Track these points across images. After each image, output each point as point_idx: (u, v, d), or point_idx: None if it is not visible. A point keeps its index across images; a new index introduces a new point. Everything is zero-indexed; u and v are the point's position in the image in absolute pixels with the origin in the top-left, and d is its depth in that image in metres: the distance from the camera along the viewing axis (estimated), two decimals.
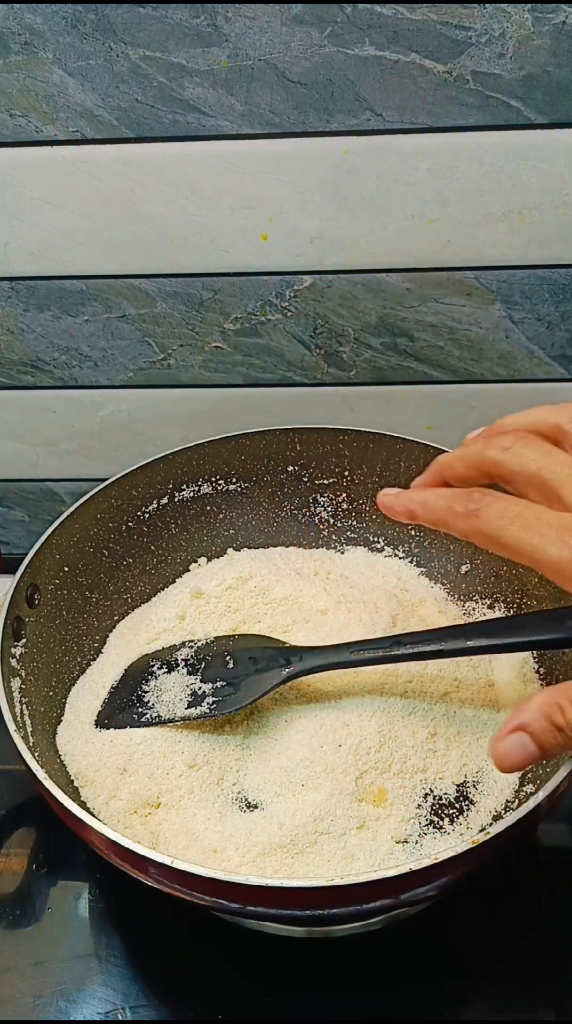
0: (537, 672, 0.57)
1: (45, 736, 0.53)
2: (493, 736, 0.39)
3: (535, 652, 0.57)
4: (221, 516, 0.68)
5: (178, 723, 0.53)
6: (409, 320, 0.65)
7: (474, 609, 0.63)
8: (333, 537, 0.68)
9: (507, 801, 0.50)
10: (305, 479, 0.68)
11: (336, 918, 0.46)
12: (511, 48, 0.54)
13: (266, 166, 0.59)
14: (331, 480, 0.68)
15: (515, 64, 0.54)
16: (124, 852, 0.40)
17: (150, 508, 0.65)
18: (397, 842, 0.49)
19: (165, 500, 0.66)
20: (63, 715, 0.55)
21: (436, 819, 0.50)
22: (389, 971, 0.49)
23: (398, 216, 0.60)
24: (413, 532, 0.67)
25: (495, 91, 0.55)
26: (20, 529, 0.80)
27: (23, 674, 0.53)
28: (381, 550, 0.67)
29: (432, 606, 0.62)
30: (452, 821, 0.50)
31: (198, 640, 0.57)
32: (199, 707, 0.53)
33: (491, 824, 0.42)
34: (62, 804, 0.42)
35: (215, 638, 0.57)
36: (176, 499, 0.66)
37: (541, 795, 0.41)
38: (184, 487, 0.66)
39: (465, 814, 0.51)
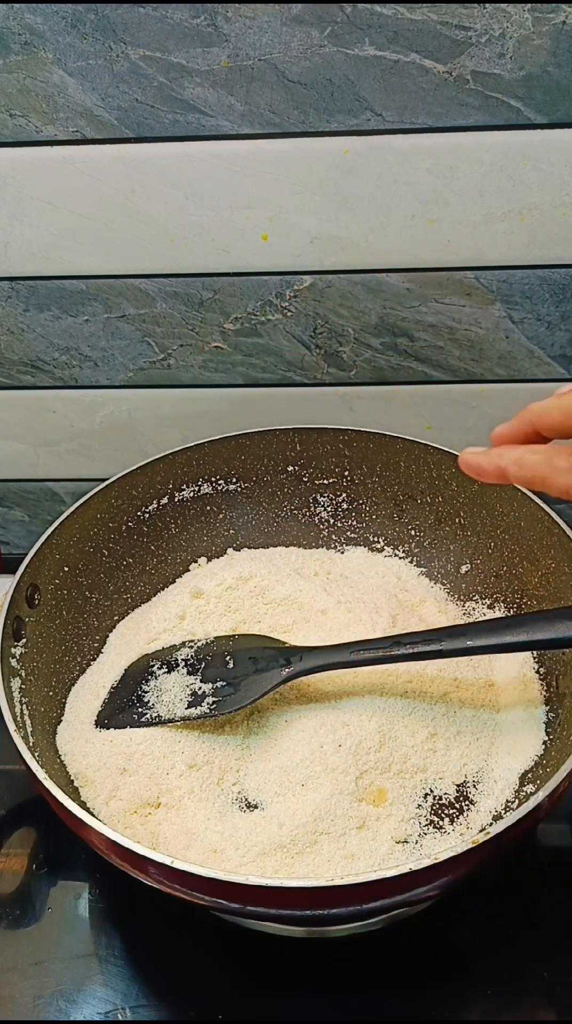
0: (537, 672, 0.57)
1: (45, 736, 0.53)
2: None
3: (535, 652, 0.57)
4: (221, 516, 0.68)
5: (178, 723, 0.53)
6: (409, 320, 0.65)
7: (474, 609, 0.63)
8: (333, 537, 0.68)
9: (507, 801, 0.50)
10: (305, 479, 0.68)
11: (336, 918, 0.46)
12: (511, 48, 0.54)
13: (266, 166, 0.59)
14: (331, 480, 0.68)
15: (515, 64, 0.54)
16: (124, 852, 0.40)
17: (150, 508, 0.65)
18: (397, 842, 0.49)
19: (165, 500, 0.66)
20: (63, 715, 0.55)
21: (436, 819, 0.50)
22: (389, 971, 0.49)
23: (398, 216, 0.60)
24: (413, 532, 0.67)
25: (495, 91, 0.55)
26: (20, 529, 0.80)
27: (23, 674, 0.53)
28: (381, 550, 0.67)
29: (432, 606, 0.62)
30: (452, 821, 0.50)
31: (198, 640, 0.57)
32: (199, 707, 0.53)
33: (491, 824, 0.42)
34: (62, 804, 0.42)
35: (215, 638, 0.57)
36: (176, 499, 0.66)
37: (541, 795, 0.41)
38: (184, 487, 0.66)
39: (465, 814, 0.51)
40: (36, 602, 0.57)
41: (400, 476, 0.66)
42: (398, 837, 0.49)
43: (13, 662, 0.52)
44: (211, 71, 0.56)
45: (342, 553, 0.68)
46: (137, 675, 0.56)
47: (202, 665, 0.55)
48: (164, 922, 0.51)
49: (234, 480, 0.67)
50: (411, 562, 0.66)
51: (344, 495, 0.68)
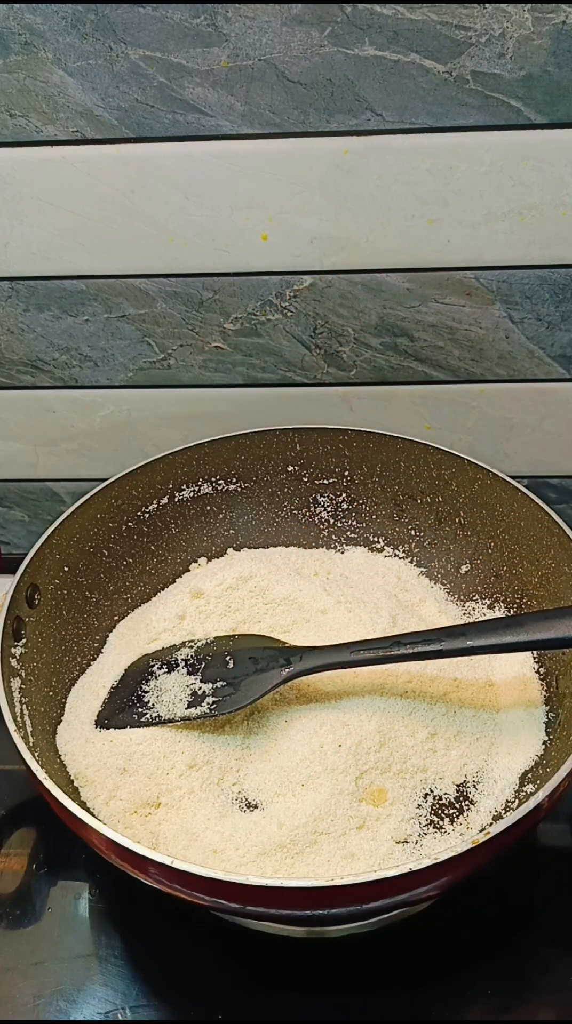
0: (537, 672, 0.57)
1: (45, 736, 0.53)
2: None
3: (535, 652, 0.57)
4: (221, 516, 0.68)
5: (178, 723, 0.53)
6: (409, 320, 0.65)
7: (474, 609, 0.63)
8: (333, 537, 0.68)
9: (507, 801, 0.50)
10: (305, 479, 0.68)
11: (336, 918, 0.46)
12: (511, 48, 0.54)
13: (266, 166, 0.59)
14: (331, 480, 0.68)
15: (515, 64, 0.54)
16: (124, 852, 0.40)
17: (150, 508, 0.65)
18: (397, 842, 0.49)
19: (165, 500, 0.66)
20: (63, 715, 0.55)
21: (436, 819, 0.50)
22: (389, 971, 0.49)
23: (398, 216, 0.60)
24: (413, 532, 0.67)
25: (495, 91, 0.55)
26: (20, 529, 0.80)
27: (23, 674, 0.53)
28: (381, 550, 0.67)
29: (432, 606, 0.62)
30: (452, 821, 0.50)
31: (198, 640, 0.57)
32: (199, 707, 0.53)
33: (491, 824, 0.42)
34: (62, 804, 0.42)
35: (215, 638, 0.57)
36: (176, 499, 0.66)
37: (541, 795, 0.41)
38: (184, 487, 0.66)
39: (465, 814, 0.51)
40: (36, 602, 0.57)
41: (400, 476, 0.66)
42: (398, 837, 0.49)
43: (13, 662, 0.52)
44: (211, 71, 0.56)
45: (342, 553, 0.68)
46: (137, 675, 0.56)
47: (202, 665, 0.55)
48: (164, 922, 0.51)
49: (234, 480, 0.67)
50: (411, 562, 0.66)
51: (344, 495, 0.68)
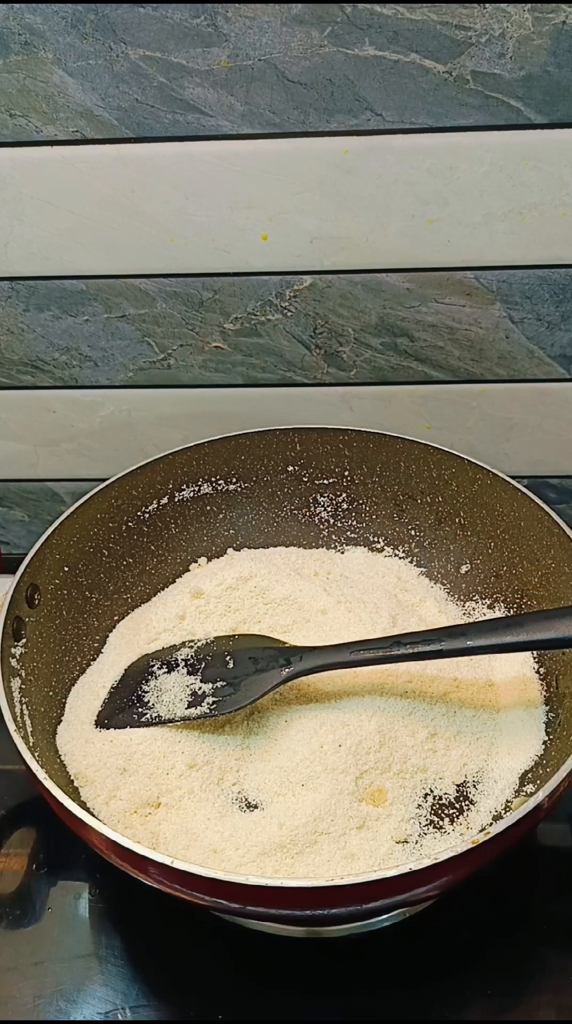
0: (537, 672, 0.57)
1: (45, 736, 0.53)
2: None
3: (535, 652, 0.57)
4: (221, 516, 0.68)
5: (178, 723, 0.53)
6: (409, 320, 0.65)
7: (474, 609, 0.63)
8: (333, 537, 0.68)
9: (507, 801, 0.50)
10: (305, 479, 0.68)
11: (336, 918, 0.46)
12: (511, 48, 0.54)
13: (266, 166, 0.59)
14: (331, 480, 0.68)
15: (515, 64, 0.54)
16: (124, 852, 0.40)
17: (150, 508, 0.65)
18: (397, 842, 0.49)
19: (165, 500, 0.66)
20: (63, 715, 0.55)
21: (436, 819, 0.50)
22: (389, 971, 0.49)
23: (398, 216, 0.60)
24: (413, 532, 0.67)
25: (495, 91, 0.55)
26: (20, 529, 0.80)
27: (23, 674, 0.53)
28: (381, 550, 0.67)
29: (432, 606, 0.62)
30: (452, 821, 0.50)
31: (198, 640, 0.57)
32: (199, 707, 0.53)
33: (491, 824, 0.42)
34: (62, 804, 0.42)
35: (215, 638, 0.57)
36: (176, 499, 0.66)
37: (541, 795, 0.41)
38: (184, 487, 0.66)
39: (465, 814, 0.51)
40: (36, 602, 0.57)
41: (400, 476, 0.66)
42: (398, 837, 0.49)
43: (13, 662, 0.52)
44: (211, 71, 0.56)
45: (342, 553, 0.68)
46: (137, 675, 0.56)
47: (202, 665, 0.55)
48: (164, 922, 0.51)
49: (234, 480, 0.67)
50: (411, 562, 0.66)
51: (344, 495, 0.68)
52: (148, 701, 0.54)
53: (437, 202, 0.59)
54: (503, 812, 0.50)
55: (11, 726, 0.47)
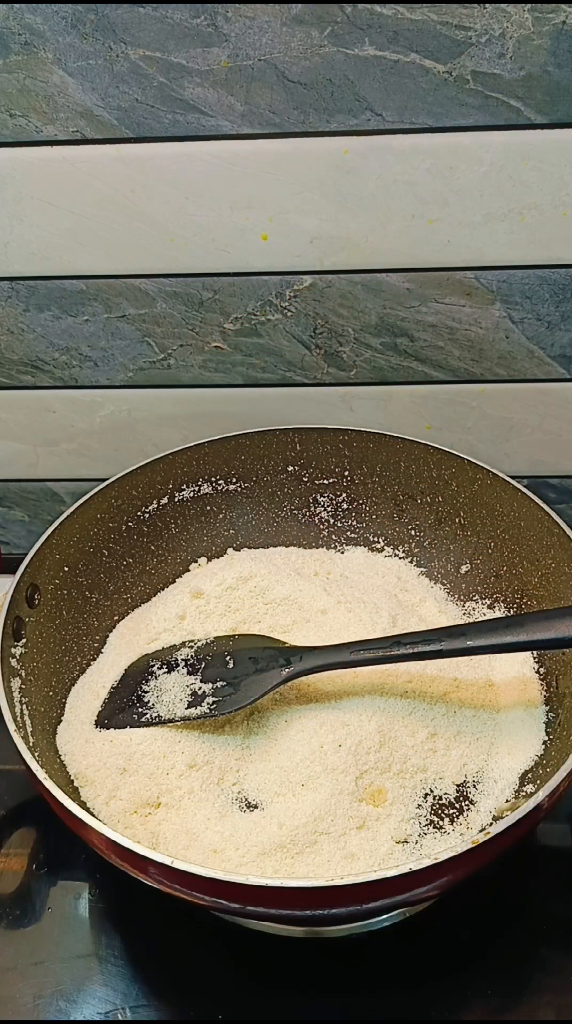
0: (537, 672, 0.57)
1: (45, 736, 0.53)
2: None
3: (535, 652, 0.57)
4: (221, 516, 0.68)
5: (178, 723, 0.53)
6: (409, 320, 0.65)
7: (474, 609, 0.63)
8: (333, 537, 0.68)
9: (507, 801, 0.50)
10: (305, 479, 0.68)
11: (336, 918, 0.46)
12: (511, 48, 0.54)
13: (266, 166, 0.59)
14: (331, 480, 0.68)
15: (515, 64, 0.54)
16: (124, 852, 0.40)
17: (150, 508, 0.65)
18: (397, 842, 0.49)
19: (165, 500, 0.66)
20: (63, 715, 0.55)
21: (436, 819, 0.50)
22: (389, 971, 0.49)
23: (398, 216, 0.60)
24: (413, 532, 0.67)
25: (495, 91, 0.55)
26: (20, 529, 0.80)
27: (23, 674, 0.53)
28: (381, 550, 0.67)
29: (432, 606, 0.62)
30: (452, 821, 0.50)
31: (198, 640, 0.57)
32: (199, 707, 0.53)
33: (491, 824, 0.42)
34: (62, 804, 0.42)
35: (215, 638, 0.57)
36: (176, 499, 0.66)
37: (541, 795, 0.41)
38: (184, 487, 0.66)
39: (465, 814, 0.51)
40: (36, 602, 0.57)
41: (400, 476, 0.66)
42: (398, 837, 0.49)
43: (13, 662, 0.52)
44: (211, 71, 0.56)
45: (342, 553, 0.68)
46: (137, 675, 0.56)
47: (202, 665, 0.55)
48: (164, 922, 0.51)
49: (234, 480, 0.67)
50: (411, 562, 0.66)
51: (344, 495, 0.68)
52: (148, 701, 0.54)
53: (437, 202, 0.59)
54: (503, 812, 0.50)
55: (11, 726, 0.47)
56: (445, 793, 0.51)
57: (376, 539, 0.68)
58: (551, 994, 0.48)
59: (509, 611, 0.61)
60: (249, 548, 0.67)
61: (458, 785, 0.52)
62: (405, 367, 0.68)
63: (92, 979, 0.49)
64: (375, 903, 0.40)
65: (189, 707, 0.53)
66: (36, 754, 0.46)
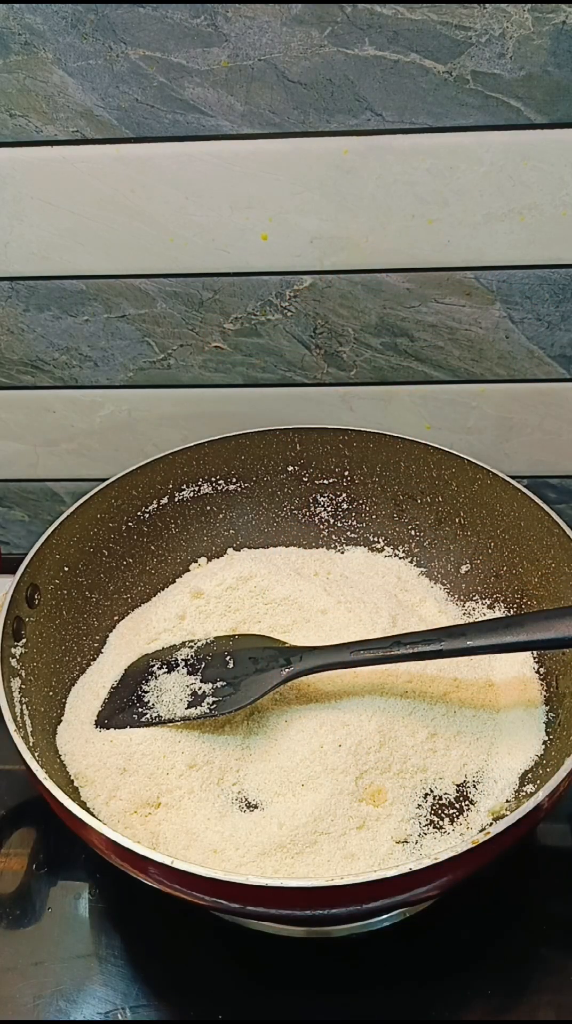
0: (537, 672, 0.57)
1: (45, 736, 0.53)
2: None
3: (535, 652, 0.57)
4: (221, 516, 0.68)
5: (178, 723, 0.53)
6: (409, 320, 0.65)
7: (474, 609, 0.63)
8: (333, 537, 0.68)
9: (507, 801, 0.50)
10: (305, 479, 0.68)
11: (336, 918, 0.46)
12: (511, 48, 0.54)
13: (266, 166, 0.59)
14: (331, 480, 0.68)
15: (515, 64, 0.54)
16: (124, 852, 0.40)
17: (150, 508, 0.65)
18: (397, 842, 0.49)
19: (165, 500, 0.66)
20: (63, 715, 0.55)
21: (436, 819, 0.50)
22: (389, 971, 0.49)
23: (398, 216, 0.60)
24: (413, 532, 0.67)
25: (495, 91, 0.55)
26: (20, 529, 0.80)
27: (23, 674, 0.53)
28: (381, 550, 0.67)
29: (432, 606, 0.62)
30: (452, 821, 0.50)
31: (198, 640, 0.57)
32: (199, 707, 0.53)
33: (491, 824, 0.42)
34: (62, 804, 0.42)
35: (215, 638, 0.57)
36: (176, 499, 0.66)
37: (541, 795, 0.41)
38: (184, 487, 0.66)
39: (465, 814, 0.51)
40: (36, 602, 0.57)
41: (400, 476, 0.66)
42: (398, 837, 0.49)
43: (13, 662, 0.52)
44: (211, 71, 0.56)
45: (342, 553, 0.68)
46: (137, 675, 0.56)
47: (202, 665, 0.55)
48: (164, 922, 0.51)
49: (234, 480, 0.67)
50: (411, 562, 0.66)
51: (344, 495, 0.68)
52: (148, 701, 0.54)
53: (437, 202, 0.59)
54: (503, 812, 0.50)
55: (11, 726, 0.47)
56: (445, 793, 0.51)
57: (376, 539, 0.68)
58: (551, 994, 0.48)
59: (509, 611, 0.61)
60: (249, 548, 0.67)
61: (458, 785, 0.52)
62: (405, 367, 0.68)
63: (92, 979, 0.49)
64: (375, 903, 0.40)
65: (189, 707, 0.53)
66: (36, 754, 0.46)
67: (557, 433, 0.70)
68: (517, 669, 0.57)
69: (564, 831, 0.56)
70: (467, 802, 0.51)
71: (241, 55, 0.55)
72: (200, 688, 0.54)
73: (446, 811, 0.51)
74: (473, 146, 0.57)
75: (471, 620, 0.62)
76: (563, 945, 0.50)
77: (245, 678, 0.53)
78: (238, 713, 0.53)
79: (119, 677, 0.57)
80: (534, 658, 0.57)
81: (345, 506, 0.68)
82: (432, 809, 0.50)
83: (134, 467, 0.64)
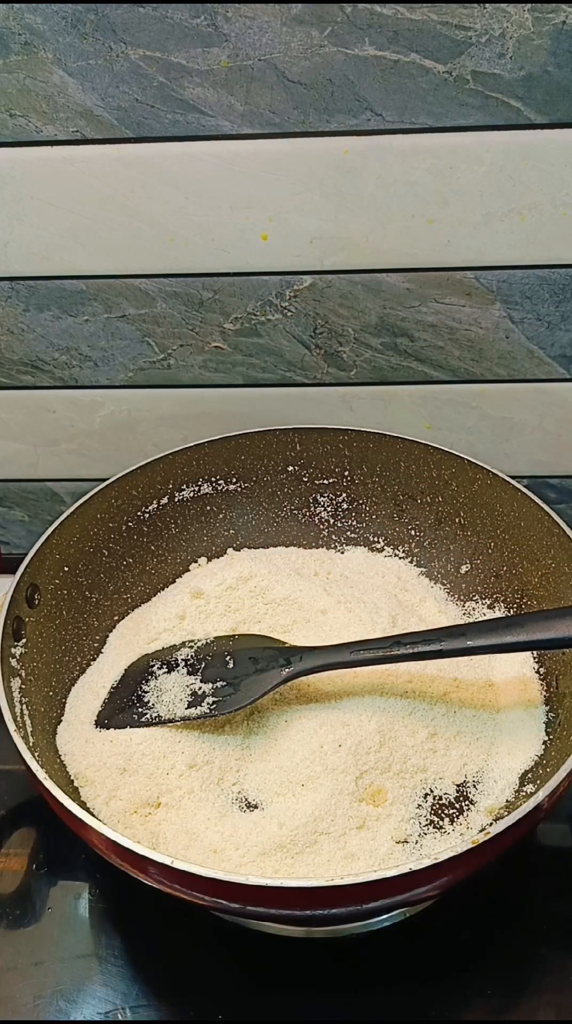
0: (537, 672, 0.57)
1: (45, 736, 0.53)
2: None
3: (535, 652, 0.57)
4: (221, 516, 0.68)
5: (178, 723, 0.53)
6: (409, 320, 0.65)
7: (474, 609, 0.63)
8: (333, 537, 0.68)
9: (507, 801, 0.50)
10: (305, 479, 0.68)
11: (336, 918, 0.46)
12: (511, 48, 0.54)
13: (266, 166, 0.59)
14: (331, 480, 0.68)
15: (515, 64, 0.54)
16: (124, 852, 0.40)
17: (150, 508, 0.65)
18: (397, 842, 0.49)
19: (165, 500, 0.66)
20: (63, 715, 0.55)
21: (436, 819, 0.50)
22: (389, 971, 0.49)
23: (398, 216, 0.60)
24: (413, 532, 0.67)
25: (495, 91, 0.55)
26: (20, 529, 0.80)
27: (23, 674, 0.53)
28: (381, 550, 0.67)
29: (432, 606, 0.62)
30: (452, 821, 0.50)
31: (198, 640, 0.57)
32: (199, 707, 0.53)
33: (491, 824, 0.42)
34: (62, 804, 0.42)
35: (215, 638, 0.57)
36: (176, 499, 0.66)
37: (541, 795, 0.41)
38: (184, 487, 0.66)
39: (465, 814, 0.51)
40: (36, 602, 0.57)
41: (400, 476, 0.66)
42: (398, 837, 0.49)
43: (13, 662, 0.52)
44: (211, 71, 0.56)
45: (342, 553, 0.68)
46: (137, 675, 0.56)
47: (202, 665, 0.55)
48: (164, 922, 0.51)
49: (234, 480, 0.67)
50: (411, 562, 0.66)
51: (344, 495, 0.68)
52: (148, 701, 0.54)
53: (437, 202, 0.59)
54: (503, 812, 0.50)
55: (11, 726, 0.47)
56: (445, 793, 0.51)
57: (376, 539, 0.68)
58: (551, 994, 0.48)
59: (509, 611, 0.61)
60: (249, 548, 0.67)
61: (458, 785, 0.52)
62: (405, 367, 0.68)
63: (92, 979, 0.49)
64: (375, 903, 0.40)
65: (189, 707, 0.53)
66: (36, 754, 0.46)
67: (557, 433, 0.70)
68: (517, 669, 0.57)
69: (564, 831, 0.56)
70: (467, 802, 0.51)
71: (241, 55, 0.55)
72: (200, 688, 0.54)
73: (446, 811, 0.51)
74: (473, 146, 0.57)
75: (471, 620, 0.62)
76: (563, 945, 0.50)
77: (245, 678, 0.53)
78: (238, 713, 0.53)
79: (119, 677, 0.57)
80: (534, 658, 0.57)
81: (345, 506, 0.68)
82: (432, 809, 0.50)
83: (134, 467, 0.64)
